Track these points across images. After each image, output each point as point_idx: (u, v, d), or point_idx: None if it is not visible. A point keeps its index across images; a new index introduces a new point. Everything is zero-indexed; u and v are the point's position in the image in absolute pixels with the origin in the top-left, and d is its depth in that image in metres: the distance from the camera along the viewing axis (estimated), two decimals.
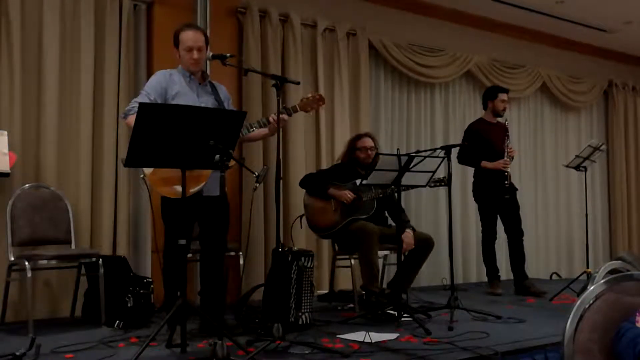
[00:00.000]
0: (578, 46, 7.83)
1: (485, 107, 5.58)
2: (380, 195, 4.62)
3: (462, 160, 5.55)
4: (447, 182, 4.30)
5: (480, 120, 5.61)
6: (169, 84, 3.58)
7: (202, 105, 3.58)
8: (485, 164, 5.34)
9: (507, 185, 5.22)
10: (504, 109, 5.47)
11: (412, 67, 6.36)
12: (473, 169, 5.61)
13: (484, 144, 5.38)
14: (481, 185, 5.46)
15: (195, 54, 3.57)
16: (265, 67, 5.32)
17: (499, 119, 5.47)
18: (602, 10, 6.73)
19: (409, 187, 4.54)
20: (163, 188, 3.45)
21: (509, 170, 5.25)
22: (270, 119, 3.71)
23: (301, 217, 4.81)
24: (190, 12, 4.90)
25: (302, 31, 5.63)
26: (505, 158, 5.25)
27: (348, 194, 4.57)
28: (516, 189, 5.50)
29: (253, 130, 3.75)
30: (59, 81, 4.48)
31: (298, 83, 3.78)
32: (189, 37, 3.60)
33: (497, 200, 5.32)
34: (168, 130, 2.95)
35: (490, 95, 5.52)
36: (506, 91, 5.55)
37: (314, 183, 4.68)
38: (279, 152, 3.48)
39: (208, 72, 4.62)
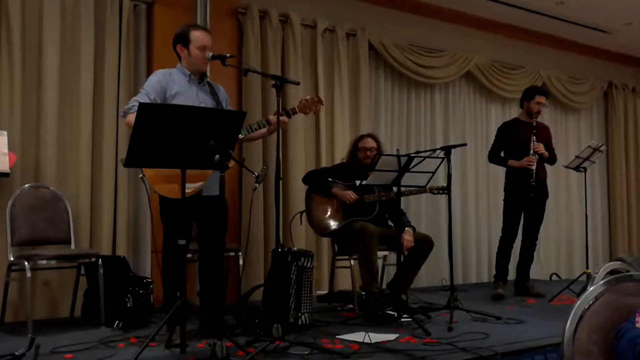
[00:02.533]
0: (578, 47, 7.84)
1: (521, 106, 5.52)
2: (383, 199, 4.63)
3: (492, 159, 5.54)
4: (448, 190, 4.30)
5: (514, 120, 5.59)
6: (168, 84, 3.58)
7: (202, 105, 3.58)
8: (511, 162, 5.31)
9: (533, 184, 5.16)
10: (538, 111, 5.36)
11: (412, 68, 6.36)
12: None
13: (515, 143, 5.33)
14: (509, 184, 5.42)
15: (208, 53, 3.59)
16: (265, 68, 5.32)
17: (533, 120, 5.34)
18: (602, 11, 6.73)
19: (410, 192, 4.62)
20: (163, 187, 3.45)
21: (534, 167, 5.17)
22: (270, 119, 3.72)
23: (302, 213, 4.81)
24: (190, 12, 4.89)
25: (302, 32, 5.63)
26: (530, 156, 5.20)
27: (351, 195, 4.57)
28: (546, 195, 5.46)
29: (253, 131, 3.76)
30: (59, 81, 4.48)
31: (298, 83, 3.78)
32: (203, 36, 3.63)
33: (523, 199, 5.27)
34: (168, 130, 2.94)
35: (527, 95, 5.44)
36: (545, 94, 5.46)
37: (318, 180, 4.69)
38: (279, 152, 3.48)
39: (208, 72, 4.63)
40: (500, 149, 5.46)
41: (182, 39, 3.63)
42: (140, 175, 3.52)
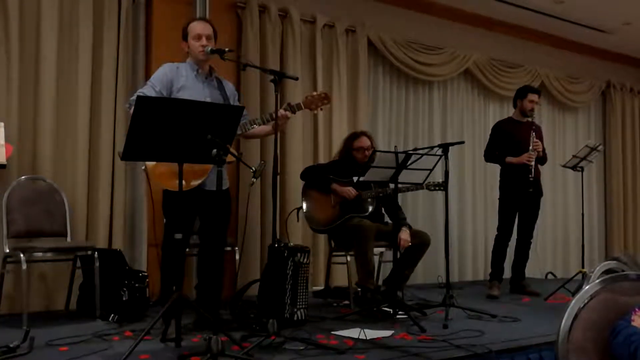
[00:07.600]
0: (577, 46, 7.83)
1: (514, 106, 5.53)
2: (380, 195, 4.63)
3: (488, 158, 5.54)
4: (444, 187, 4.30)
5: (508, 119, 5.59)
6: (175, 77, 3.60)
7: (208, 99, 3.58)
8: (510, 159, 5.31)
9: (531, 179, 5.16)
10: (532, 109, 5.36)
11: (411, 65, 6.35)
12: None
13: (511, 142, 5.34)
14: (505, 182, 5.42)
15: (204, 41, 3.60)
16: (263, 63, 5.31)
17: (527, 119, 5.36)
18: (601, 10, 6.73)
19: (408, 189, 4.62)
20: (165, 181, 3.45)
21: (532, 164, 5.17)
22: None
23: (298, 209, 4.81)
24: (189, 6, 4.88)
25: (301, 27, 5.62)
26: (530, 152, 5.18)
27: (352, 191, 4.57)
28: (541, 193, 5.47)
29: (255, 126, 3.74)
30: (57, 73, 4.46)
31: (296, 79, 3.77)
32: (197, 25, 3.68)
33: (520, 195, 5.26)
34: (165, 124, 2.94)
35: (520, 94, 5.46)
36: (537, 92, 5.48)
37: (317, 176, 4.68)
38: (277, 147, 3.48)
39: None
40: (495, 148, 5.46)
41: (183, 34, 3.70)
42: (143, 167, 3.52)
